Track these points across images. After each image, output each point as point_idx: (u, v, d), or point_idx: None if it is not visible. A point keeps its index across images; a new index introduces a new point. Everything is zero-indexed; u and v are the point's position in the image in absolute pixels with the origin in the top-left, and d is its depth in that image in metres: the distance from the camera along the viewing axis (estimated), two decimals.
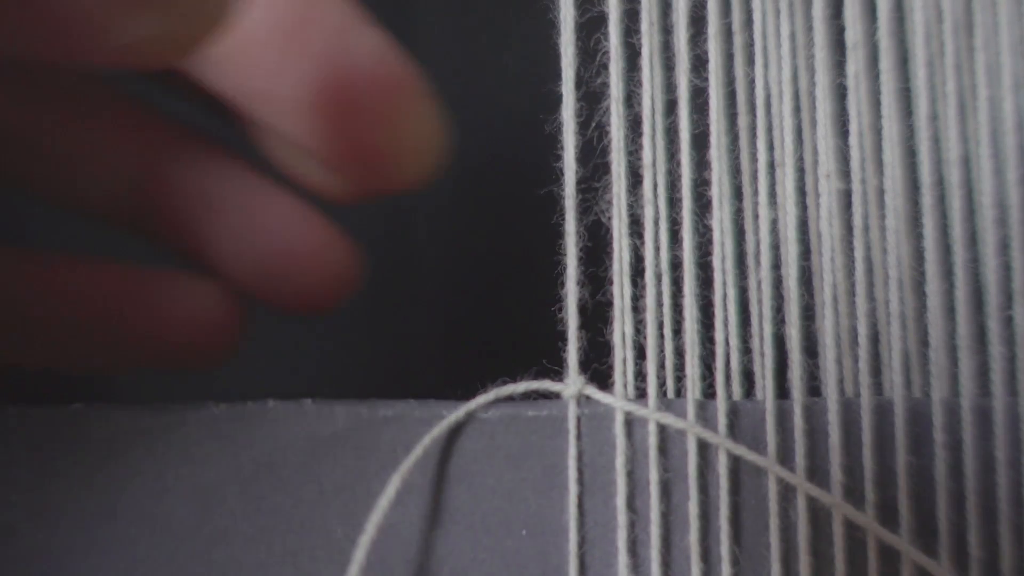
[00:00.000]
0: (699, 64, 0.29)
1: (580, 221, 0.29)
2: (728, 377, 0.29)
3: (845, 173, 0.29)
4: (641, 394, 0.29)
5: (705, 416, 0.29)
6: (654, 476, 0.29)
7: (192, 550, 0.29)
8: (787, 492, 0.28)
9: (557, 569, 0.29)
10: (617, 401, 0.29)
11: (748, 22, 0.30)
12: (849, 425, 0.28)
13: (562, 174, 0.30)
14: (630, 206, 0.29)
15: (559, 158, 0.30)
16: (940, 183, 0.28)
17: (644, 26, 0.29)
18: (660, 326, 0.29)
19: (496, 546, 0.29)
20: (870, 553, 0.28)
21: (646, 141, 0.29)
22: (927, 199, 0.28)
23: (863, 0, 0.29)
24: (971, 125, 0.29)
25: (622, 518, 0.29)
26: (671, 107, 0.29)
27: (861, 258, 0.29)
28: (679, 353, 0.29)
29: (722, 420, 0.29)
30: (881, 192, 0.29)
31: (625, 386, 0.29)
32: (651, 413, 0.28)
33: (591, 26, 0.30)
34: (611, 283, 0.29)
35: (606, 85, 0.30)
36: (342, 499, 0.29)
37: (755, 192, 0.29)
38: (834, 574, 0.28)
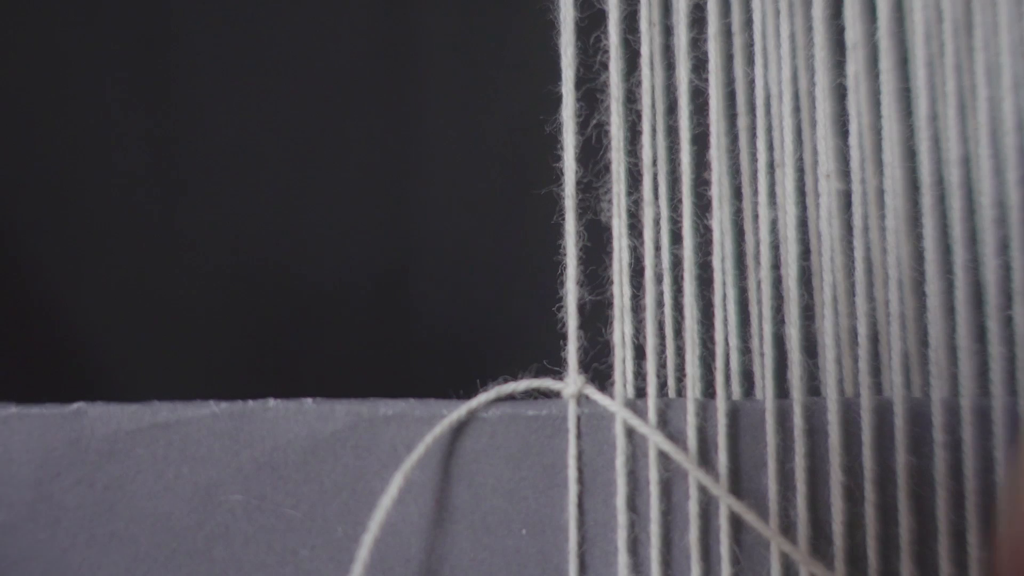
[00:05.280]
0: (699, 64, 0.29)
1: (580, 221, 0.30)
2: (728, 377, 0.29)
3: (845, 173, 0.29)
4: (641, 394, 0.29)
5: (705, 416, 0.29)
6: (654, 476, 0.29)
7: (193, 549, 0.29)
8: (787, 492, 0.28)
9: (557, 568, 0.29)
10: (617, 406, 0.29)
11: (748, 22, 0.30)
12: (849, 425, 0.28)
13: (562, 174, 0.30)
14: (630, 206, 0.29)
15: (559, 158, 0.30)
16: (940, 183, 0.28)
17: (644, 26, 0.29)
18: (660, 326, 0.29)
19: (496, 545, 0.29)
20: (869, 553, 0.28)
21: (646, 141, 0.29)
22: (927, 199, 0.28)
23: (863, 0, 0.29)
24: (971, 125, 0.29)
25: (622, 517, 0.29)
26: (671, 107, 0.29)
27: (861, 258, 0.29)
28: (679, 353, 0.29)
29: (722, 420, 0.29)
30: (881, 192, 0.29)
31: (625, 386, 0.29)
32: (651, 433, 0.28)
33: (591, 26, 0.30)
34: (611, 283, 0.29)
35: (606, 85, 0.30)
36: (342, 498, 0.29)
37: (755, 192, 0.29)
38: (834, 574, 0.28)
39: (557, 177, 0.30)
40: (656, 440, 0.28)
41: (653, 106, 0.29)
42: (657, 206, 0.29)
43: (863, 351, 0.29)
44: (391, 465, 0.29)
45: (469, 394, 0.29)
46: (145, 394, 0.31)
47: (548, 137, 0.30)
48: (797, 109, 0.29)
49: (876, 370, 0.29)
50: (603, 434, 0.29)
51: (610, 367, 0.29)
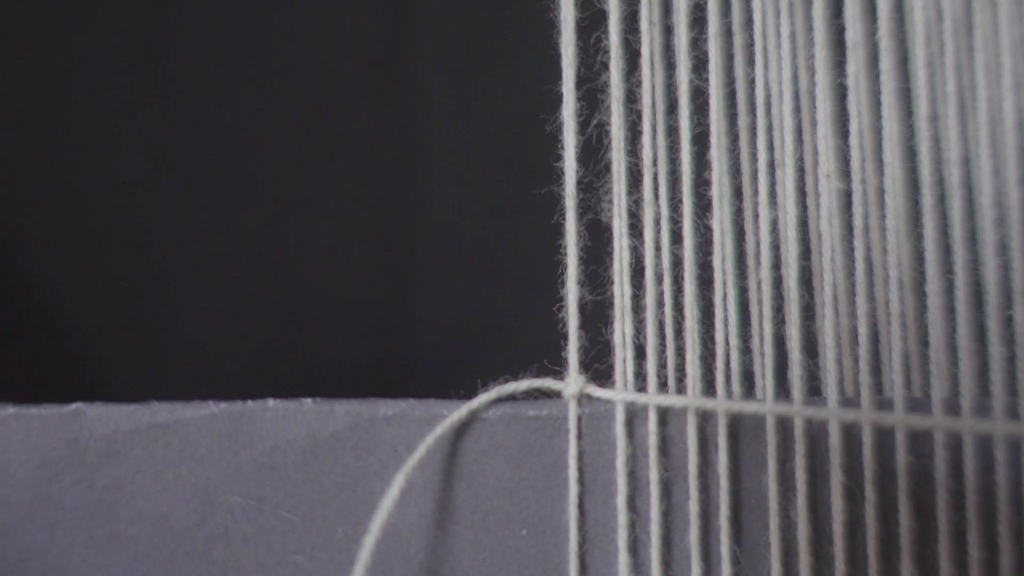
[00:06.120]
0: (699, 64, 0.29)
1: (581, 221, 0.29)
2: (728, 377, 0.29)
3: (845, 173, 0.29)
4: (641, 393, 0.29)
5: (705, 416, 0.29)
6: (654, 476, 0.29)
7: (192, 550, 0.29)
8: (787, 492, 0.28)
9: (558, 568, 0.29)
10: (618, 394, 0.29)
11: (748, 22, 0.30)
12: (849, 425, 0.28)
13: (562, 174, 0.30)
14: (630, 206, 0.29)
15: (559, 158, 0.30)
16: (940, 183, 0.28)
17: (644, 26, 0.29)
18: (661, 326, 0.29)
19: (497, 545, 0.29)
20: (869, 553, 0.28)
21: (646, 141, 0.29)
22: (927, 199, 0.28)
23: (863, 0, 0.29)
24: (971, 125, 0.29)
25: (622, 517, 0.29)
26: (671, 107, 0.29)
27: (861, 258, 0.29)
28: (680, 353, 0.29)
29: (722, 420, 0.29)
30: (881, 192, 0.29)
31: (625, 385, 0.29)
32: (651, 398, 0.28)
33: (591, 26, 0.30)
34: (612, 283, 0.29)
35: (606, 85, 0.30)
36: (342, 499, 0.29)
37: (755, 192, 0.29)
38: (834, 574, 0.28)
39: (557, 177, 0.30)
40: (655, 402, 0.28)
41: (653, 106, 0.29)
42: (657, 206, 0.29)
43: (863, 351, 0.29)
44: (391, 466, 0.29)
45: (469, 394, 0.29)
46: (144, 394, 0.31)
47: (548, 137, 0.30)
48: (797, 109, 0.29)
49: (876, 370, 0.29)
50: (603, 434, 0.29)
51: (610, 367, 0.29)
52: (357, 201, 0.64)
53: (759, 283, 0.29)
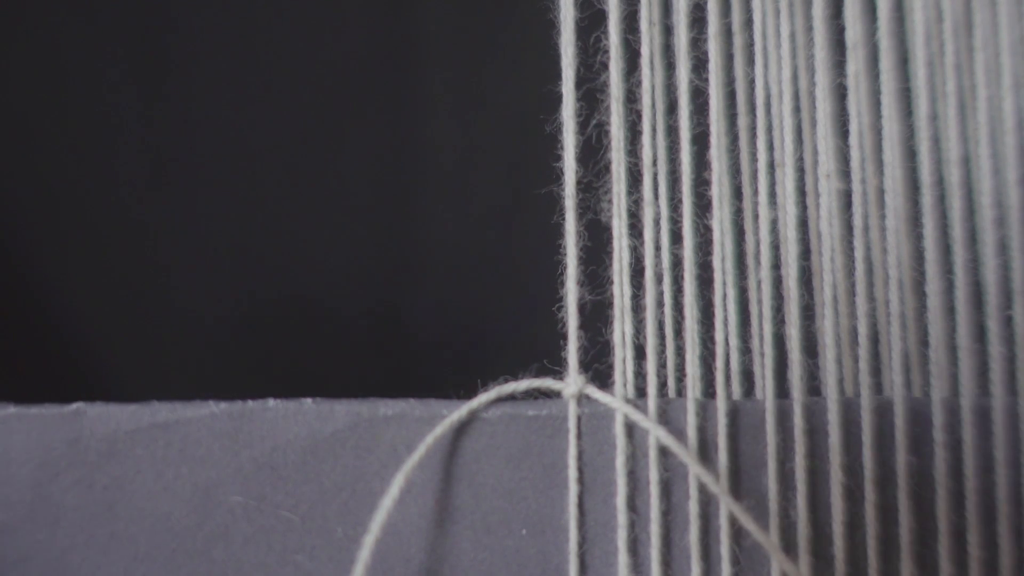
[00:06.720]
0: (699, 64, 0.29)
1: (580, 221, 0.29)
2: (728, 377, 0.29)
3: (845, 173, 0.29)
4: (641, 393, 0.29)
5: (705, 416, 0.29)
6: (654, 476, 0.29)
7: (192, 549, 0.29)
8: (787, 492, 0.28)
9: (557, 568, 0.29)
10: (617, 402, 0.29)
11: (748, 22, 0.30)
12: (849, 425, 0.28)
13: (562, 174, 0.30)
14: (630, 206, 0.29)
15: (559, 158, 0.30)
16: (940, 183, 0.28)
17: (644, 26, 0.29)
18: (660, 326, 0.29)
19: (496, 545, 0.29)
20: (869, 553, 0.28)
21: (646, 141, 0.29)
22: (927, 199, 0.28)
23: (863, 0, 0.29)
24: (971, 125, 0.29)
25: (622, 517, 0.29)
26: (671, 107, 0.29)
27: (861, 258, 0.29)
28: (679, 353, 0.29)
29: (722, 420, 0.29)
30: (881, 192, 0.29)
31: (625, 385, 0.29)
32: (653, 427, 0.28)
33: (591, 26, 0.30)
34: (611, 283, 0.29)
35: (606, 85, 0.30)
36: (342, 499, 0.29)
37: (755, 192, 0.29)
38: (834, 574, 0.28)
39: (557, 177, 0.30)
40: (658, 435, 0.28)
41: (653, 106, 0.29)
42: (657, 206, 0.29)
43: (863, 351, 0.29)
44: (391, 465, 0.29)
45: (469, 394, 0.29)
46: (144, 394, 0.31)
47: (548, 137, 0.30)
48: (797, 109, 0.29)
49: (876, 370, 0.29)
50: (603, 434, 0.29)
51: (610, 367, 0.29)
52: (357, 201, 0.64)
53: (759, 283, 0.29)
